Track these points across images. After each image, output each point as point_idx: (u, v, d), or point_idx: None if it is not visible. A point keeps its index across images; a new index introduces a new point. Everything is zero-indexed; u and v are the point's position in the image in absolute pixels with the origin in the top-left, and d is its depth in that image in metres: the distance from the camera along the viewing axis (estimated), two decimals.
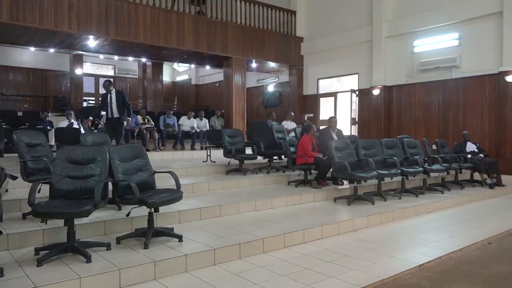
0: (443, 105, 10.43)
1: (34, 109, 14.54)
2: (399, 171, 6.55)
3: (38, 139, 5.06)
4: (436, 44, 10.42)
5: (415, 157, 7.20)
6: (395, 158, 6.75)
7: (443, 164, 7.56)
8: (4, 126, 7.84)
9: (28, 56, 15.05)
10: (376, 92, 11.55)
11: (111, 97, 7.66)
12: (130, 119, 8.48)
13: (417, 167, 6.99)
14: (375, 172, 6.16)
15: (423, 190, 7.06)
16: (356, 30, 12.12)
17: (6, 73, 14.87)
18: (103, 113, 8.02)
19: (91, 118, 8.57)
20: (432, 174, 7.66)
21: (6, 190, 4.65)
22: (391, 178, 7.07)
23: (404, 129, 11.08)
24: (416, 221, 5.52)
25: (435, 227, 5.20)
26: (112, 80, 8.79)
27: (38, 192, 3.54)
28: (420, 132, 10.74)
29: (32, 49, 12.90)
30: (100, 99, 8.07)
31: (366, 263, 3.72)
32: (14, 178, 3.79)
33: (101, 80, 17.37)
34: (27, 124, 9.90)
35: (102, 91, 16.99)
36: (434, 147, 8.61)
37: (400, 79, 11.23)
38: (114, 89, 7.78)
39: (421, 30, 10.65)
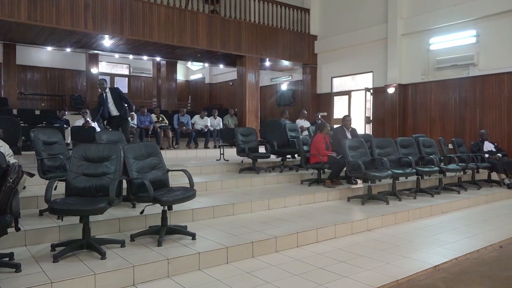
0: (460, 103, 10.25)
1: (51, 107, 14.77)
2: (414, 170, 6.46)
3: (55, 137, 5.15)
4: (452, 41, 10.24)
5: (431, 156, 7.10)
6: (410, 157, 6.66)
7: (460, 164, 7.43)
8: (22, 124, 7.98)
9: (45, 55, 15.32)
10: (391, 90, 11.41)
11: (106, 96, 7.42)
12: (134, 113, 8.53)
13: (433, 166, 6.89)
14: (389, 172, 6.10)
15: (438, 190, 6.95)
16: (370, 28, 11.99)
17: (25, 72, 15.16)
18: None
19: (88, 119, 8.72)
20: (448, 174, 7.54)
21: (24, 187, 4.74)
22: (406, 178, 6.98)
23: (420, 128, 10.93)
24: (432, 222, 5.44)
25: (451, 228, 5.12)
26: (105, 78, 8.69)
27: (55, 189, 3.59)
28: (436, 131, 10.58)
29: (49, 48, 13.12)
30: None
31: (380, 263, 3.68)
32: (31, 175, 3.86)
33: (117, 79, 17.59)
34: (44, 122, 10.06)
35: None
36: (450, 146, 8.47)
37: (416, 77, 11.07)
38: (108, 88, 7.53)
39: (437, 28, 10.48)
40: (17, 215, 3.13)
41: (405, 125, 11.38)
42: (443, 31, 10.39)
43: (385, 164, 6.18)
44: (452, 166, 7.34)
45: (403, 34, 11.26)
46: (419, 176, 6.82)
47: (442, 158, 7.60)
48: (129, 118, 7.82)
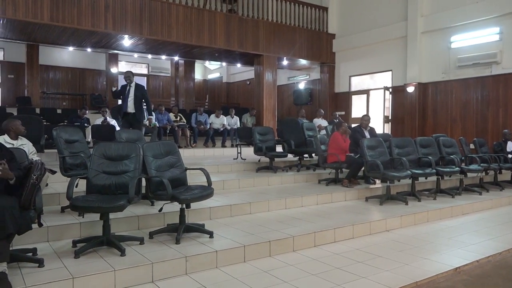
0: (482, 102, 10.02)
1: (72, 106, 15.09)
2: (434, 170, 6.35)
3: (76, 136, 5.25)
4: (474, 39, 10.02)
5: (452, 156, 6.96)
6: (430, 157, 6.55)
7: (482, 164, 7.27)
8: (45, 123, 8.16)
9: (67, 55, 15.64)
10: (410, 89, 11.24)
11: (129, 89, 7.07)
12: (153, 117, 8.49)
13: (454, 167, 6.76)
14: (409, 172, 6.01)
15: (459, 191, 6.82)
16: (390, 26, 11.83)
17: (47, 72, 15.50)
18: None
19: (107, 118, 8.75)
20: (469, 174, 7.38)
21: (46, 184, 4.85)
22: (426, 178, 6.87)
23: (440, 127, 10.73)
24: (452, 223, 5.34)
25: (472, 230, 5.01)
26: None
27: (76, 186, 3.67)
28: (456, 130, 10.37)
29: (71, 48, 13.39)
30: (118, 89, 7.47)
31: (399, 264, 3.63)
32: (53, 172, 3.96)
33: (136, 79, 17.79)
34: (66, 121, 10.28)
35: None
36: (471, 146, 8.29)
37: (436, 75, 10.88)
38: (134, 82, 7.22)
39: (459, 25, 10.27)
40: (40, 211, 3.21)
41: (424, 124, 11.19)
42: (465, 28, 10.18)
43: (404, 164, 6.09)
44: (473, 166, 7.19)
45: (423, 32, 11.07)
46: (439, 177, 6.70)
47: (463, 158, 7.45)
48: (146, 122, 7.62)
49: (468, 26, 10.09)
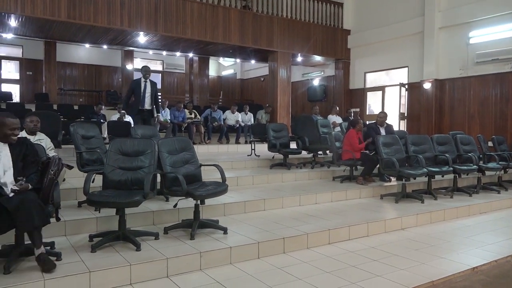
0: (501, 99, 9.80)
1: (88, 103, 15.28)
2: (451, 168, 6.25)
3: (92, 132, 5.32)
4: (494, 34, 9.80)
5: (469, 154, 6.84)
6: (447, 155, 6.45)
7: (500, 162, 7.12)
8: (62, 119, 8.29)
9: (83, 52, 15.83)
10: (427, 85, 11.06)
11: (145, 86, 6.82)
12: (160, 115, 8.47)
13: (471, 165, 6.64)
14: (425, 169, 5.93)
15: (477, 189, 6.69)
16: (406, 22, 11.65)
17: (64, 69, 15.73)
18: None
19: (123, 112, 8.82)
20: (487, 173, 7.23)
21: (63, 179, 4.92)
22: (442, 176, 6.77)
23: (457, 124, 10.54)
24: (469, 222, 5.25)
25: (490, 229, 4.92)
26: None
27: (92, 182, 3.72)
28: (474, 128, 10.18)
29: (87, 45, 13.54)
30: (130, 86, 7.15)
31: (415, 263, 3.59)
32: (70, 167, 4.02)
33: (151, 75, 17.94)
34: (82, 117, 10.42)
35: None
36: (490, 144, 8.12)
37: (454, 72, 10.68)
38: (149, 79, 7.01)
39: (478, 20, 10.05)
40: (58, 206, 3.27)
41: (441, 121, 11.01)
42: (484, 23, 9.95)
43: (421, 161, 6.01)
44: (492, 164, 7.04)
45: (440, 28, 10.87)
46: (457, 175, 6.60)
47: (481, 156, 7.31)
48: (160, 117, 7.56)
49: (487, 21, 9.87)
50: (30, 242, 3.04)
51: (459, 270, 3.45)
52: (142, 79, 6.84)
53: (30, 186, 3.06)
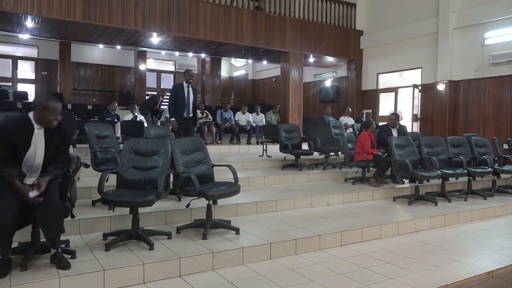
0: None
1: (102, 102, 15.45)
2: (465, 171, 6.18)
3: (107, 131, 5.38)
4: (510, 35, 9.64)
5: (484, 156, 6.75)
6: (461, 157, 6.37)
7: None
8: (76, 119, 8.39)
9: (97, 53, 16.01)
10: (441, 87, 10.93)
11: (188, 91, 6.25)
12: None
13: (486, 167, 6.55)
14: (439, 172, 5.86)
15: (492, 192, 6.60)
16: (420, 22, 11.53)
17: (78, 69, 15.92)
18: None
19: (136, 114, 8.80)
20: (503, 176, 7.13)
21: (78, 178, 4.98)
22: (457, 179, 6.67)
23: (472, 126, 10.40)
24: (484, 225, 5.18)
25: (505, 232, 4.85)
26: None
27: (106, 181, 3.76)
28: (489, 130, 10.02)
29: (101, 46, 13.70)
30: (170, 93, 6.59)
31: (428, 266, 3.55)
32: (87, 166, 4.08)
33: (163, 76, 18.05)
34: (96, 116, 10.53)
35: (164, 85, 17.77)
36: (505, 146, 8.00)
37: (468, 73, 10.53)
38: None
39: (494, 21, 9.90)
40: (73, 204, 3.32)
41: (455, 123, 10.87)
42: (500, 24, 9.80)
43: (434, 163, 5.94)
44: (507, 167, 6.94)
45: (455, 28, 10.74)
46: (471, 177, 6.51)
47: (496, 158, 7.20)
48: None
49: (503, 21, 9.71)
50: (45, 239, 3.08)
51: (474, 274, 3.41)
52: (185, 84, 6.25)
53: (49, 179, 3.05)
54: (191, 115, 6.39)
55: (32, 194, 2.88)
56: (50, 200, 2.95)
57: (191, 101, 6.31)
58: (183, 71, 6.72)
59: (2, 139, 2.97)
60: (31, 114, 3.09)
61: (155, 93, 17.01)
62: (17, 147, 3.01)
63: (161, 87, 17.74)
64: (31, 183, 3.02)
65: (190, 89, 6.32)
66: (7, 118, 3.22)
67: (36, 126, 3.09)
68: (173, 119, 6.28)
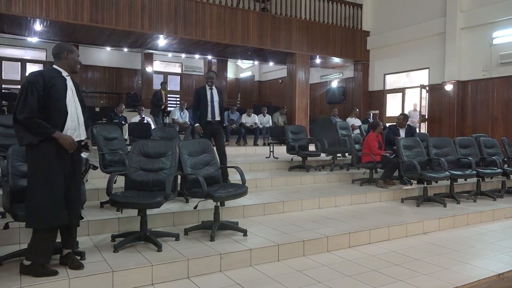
0: None
1: (109, 105, 15.54)
2: (474, 172, 6.12)
3: (114, 133, 5.41)
4: None
5: (493, 157, 6.68)
6: (470, 158, 6.32)
7: None
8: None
9: (104, 55, 16.12)
10: (448, 87, 10.86)
11: (212, 94, 5.86)
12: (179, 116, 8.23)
13: (495, 168, 6.48)
14: (447, 173, 5.82)
15: (501, 194, 6.53)
16: (427, 23, 11.47)
17: (86, 71, 16.04)
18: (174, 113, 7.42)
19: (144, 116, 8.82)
20: None
21: (86, 180, 5.03)
22: (465, 180, 6.62)
23: (480, 127, 10.31)
24: (494, 227, 5.12)
25: None
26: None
27: (114, 183, 3.78)
28: (498, 130, 9.93)
29: (108, 49, 13.81)
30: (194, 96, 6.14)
31: (438, 268, 3.52)
32: (95, 168, 4.12)
33: (170, 78, 18.11)
34: (104, 119, 10.60)
35: (171, 87, 17.83)
36: None
37: (476, 73, 10.45)
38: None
39: (502, 20, 9.81)
40: (82, 205, 3.35)
41: (463, 124, 10.79)
42: (509, 24, 9.71)
43: (443, 164, 5.90)
44: None
45: (463, 28, 10.66)
46: (480, 178, 6.45)
47: (505, 159, 7.13)
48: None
49: None
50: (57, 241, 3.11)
51: (484, 276, 3.37)
52: (207, 87, 5.90)
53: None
54: (217, 118, 5.88)
55: (84, 155, 2.77)
56: (81, 183, 2.99)
57: (215, 103, 5.86)
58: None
59: (37, 87, 2.78)
60: (55, 66, 3.00)
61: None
62: (55, 97, 2.84)
63: (168, 89, 17.79)
64: (80, 141, 2.95)
65: (214, 91, 5.91)
66: (38, 70, 3.06)
67: (64, 73, 2.99)
68: (197, 124, 5.88)
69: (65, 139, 2.86)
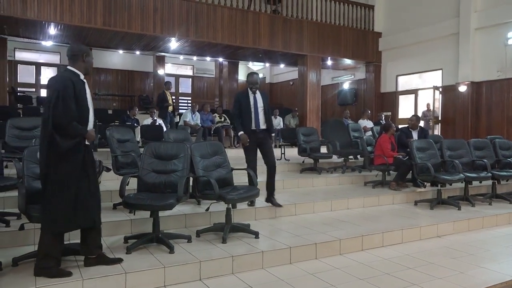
0: None
1: (122, 107, 15.68)
2: (489, 174, 6.02)
3: (127, 136, 5.45)
4: None
5: (509, 159, 6.57)
6: (485, 160, 6.22)
7: None
8: (97, 123, 8.52)
9: (117, 58, 16.28)
10: (462, 88, 10.71)
11: (255, 99, 5.07)
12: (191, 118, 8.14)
13: (511, 170, 6.37)
14: (462, 175, 5.73)
15: None
16: (440, 23, 11.34)
17: (99, 74, 16.21)
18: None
19: (156, 118, 8.87)
20: None
21: (100, 182, 5.06)
22: (480, 182, 6.53)
23: (495, 129, 10.14)
24: (510, 230, 5.03)
25: None
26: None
27: (127, 184, 3.81)
28: None
29: (121, 52, 13.90)
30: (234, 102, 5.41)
31: (453, 272, 3.46)
32: (108, 170, 4.16)
33: (181, 80, 18.22)
34: (116, 121, 10.69)
35: (182, 89, 17.96)
36: None
37: (491, 74, 10.30)
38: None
39: None
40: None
41: (478, 125, 10.63)
42: None
43: (457, 167, 5.82)
44: None
45: (477, 29, 10.52)
46: (495, 181, 6.35)
47: None
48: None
49: None
50: (69, 242, 3.14)
51: (501, 280, 3.31)
52: (250, 92, 5.11)
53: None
54: (263, 127, 5.04)
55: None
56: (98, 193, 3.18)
57: (259, 110, 5.04)
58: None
59: (70, 92, 2.94)
60: (71, 68, 3.10)
61: (173, 97, 17.23)
62: (82, 100, 3.02)
63: (179, 91, 17.95)
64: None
65: (258, 95, 5.12)
66: (62, 74, 3.16)
67: (81, 76, 3.12)
68: (241, 132, 5.06)
69: (91, 135, 3.09)
